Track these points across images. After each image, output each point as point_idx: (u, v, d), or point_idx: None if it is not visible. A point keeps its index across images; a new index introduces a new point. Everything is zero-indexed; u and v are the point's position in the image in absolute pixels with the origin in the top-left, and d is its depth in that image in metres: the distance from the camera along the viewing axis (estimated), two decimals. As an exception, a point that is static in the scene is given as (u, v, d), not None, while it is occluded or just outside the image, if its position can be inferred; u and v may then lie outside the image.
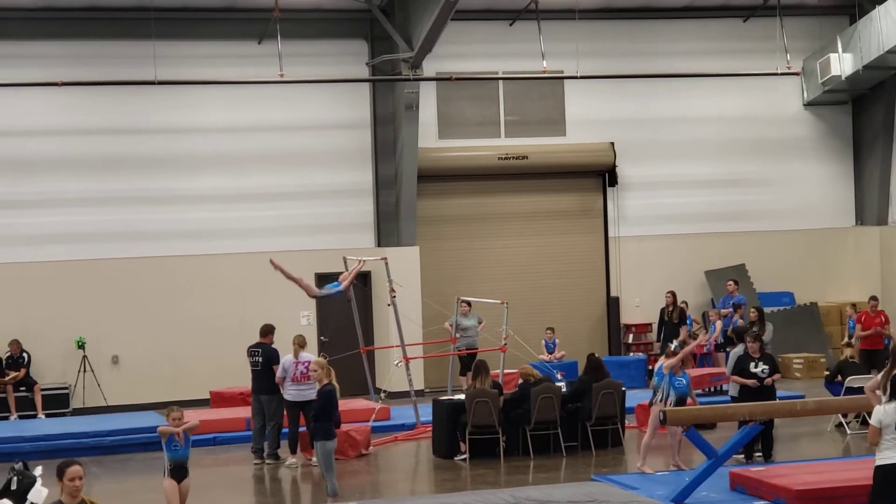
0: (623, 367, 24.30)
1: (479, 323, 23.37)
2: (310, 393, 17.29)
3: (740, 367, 17.07)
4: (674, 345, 17.83)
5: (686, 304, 25.44)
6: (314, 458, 16.73)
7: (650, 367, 24.44)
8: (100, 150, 24.10)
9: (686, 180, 27.07)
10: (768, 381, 17.00)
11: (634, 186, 26.87)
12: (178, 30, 24.12)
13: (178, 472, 13.35)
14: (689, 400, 17.11)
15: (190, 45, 24.28)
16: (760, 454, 17.14)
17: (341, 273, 21.15)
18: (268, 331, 19.00)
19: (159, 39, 22.92)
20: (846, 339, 23.88)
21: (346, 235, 24.91)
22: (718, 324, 24.55)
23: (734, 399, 17.27)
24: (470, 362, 21.58)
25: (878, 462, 11.53)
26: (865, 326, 23.09)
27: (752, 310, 22.35)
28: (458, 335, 22.87)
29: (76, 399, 23.66)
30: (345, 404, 20.28)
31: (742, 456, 16.99)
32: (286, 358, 18.32)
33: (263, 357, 18.60)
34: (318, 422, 15.03)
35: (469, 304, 23.21)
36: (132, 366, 24.12)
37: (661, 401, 16.48)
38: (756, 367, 17.01)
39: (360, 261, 20.43)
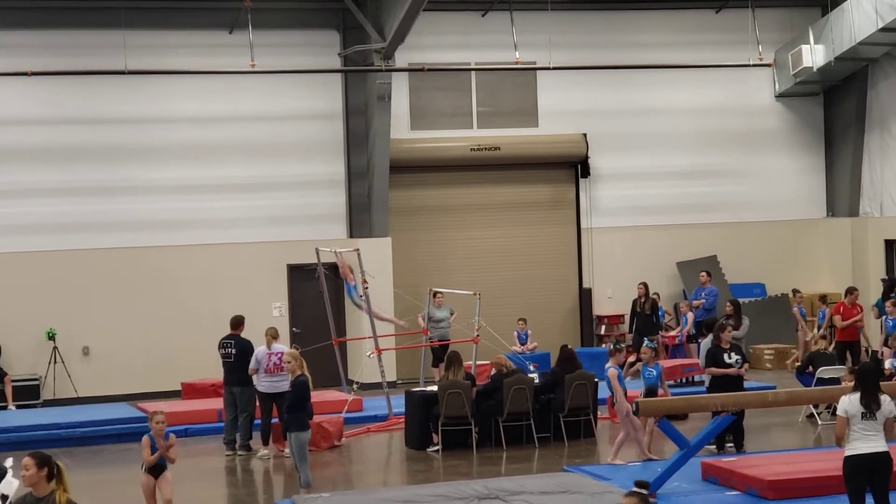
0: (595, 358, 24.19)
1: (451, 314, 23.37)
2: (282, 384, 17.24)
3: (714, 359, 17.10)
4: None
5: (658, 295, 25.47)
6: (286, 450, 16.70)
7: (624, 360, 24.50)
8: (69, 140, 23.96)
9: (658, 172, 27.11)
10: (742, 370, 17.12)
11: (606, 178, 26.90)
12: (149, 19, 24.00)
13: (156, 469, 13.23)
14: (660, 391, 17.17)
15: (160, 34, 24.16)
16: (732, 444, 17.19)
17: (314, 264, 21.13)
18: (238, 322, 18.95)
19: (129, 29, 22.82)
20: (816, 331, 23.88)
21: (318, 226, 24.85)
22: (690, 315, 24.61)
23: (708, 390, 17.30)
24: (442, 354, 21.61)
25: (847, 453, 11.56)
26: (844, 318, 23.04)
27: (728, 303, 22.39)
28: (430, 326, 22.87)
29: (47, 390, 23.53)
30: (317, 396, 20.23)
31: (714, 446, 17.04)
32: (259, 349, 18.27)
33: (237, 349, 18.55)
34: (292, 413, 14.98)
35: (443, 295, 23.20)
36: (103, 357, 24.01)
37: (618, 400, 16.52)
38: (729, 357, 17.08)
39: (336, 252, 20.41)
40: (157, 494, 13.23)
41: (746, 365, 17.43)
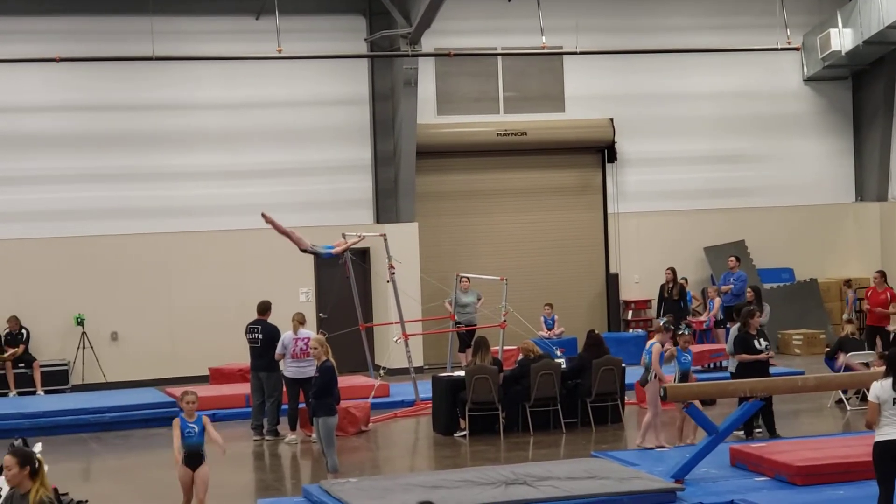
0: (622, 343, 24.27)
1: (478, 299, 23.36)
2: (309, 370, 17.25)
3: (745, 346, 17.04)
4: (663, 321, 17.76)
5: (686, 280, 25.42)
6: (313, 435, 16.70)
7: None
8: (97, 126, 24.02)
9: (685, 156, 27.01)
10: (770, 355, 17.13)
11: (633, 162, 26.81)
12: (176, 5, 24.00)
13: (193, 459, 12.94)
14: (692, 376, 17.13)
15: (187, 20, 24.19)
16: (760, 430, 17.13)
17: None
18: (265, 308, 19.00)
19: (157, 15, 22.82)
20: (846, 315, 23.81)
21: (344, 212, 24.86)
22: (717, 301, 24.53)
23: (733, 375, 17.26)
24: (469, 339, 21.62)
25: (878, 438, 11.51)
26: (871, 302, 22.94)
27: (749, 290, 22.32)
28: (457, 311, 22.87)
29: (75, 376, 23.63)
30: (344, 381, 20.23)
31: (742, 432, 17.00)
32: (286, 335, 18.31)
33: (263, 334, 18.58)
34: (320, 398, 14.97)
35: (469, 280, 23.19)
36: (131, 342, 24.09)
37: (654, 378, 16.46)
38: (759, 343, 17.06)
39: (359, 236, 20.38)
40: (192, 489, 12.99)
41: (772, 351, 17.43)
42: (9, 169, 23.59)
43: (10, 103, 23.65)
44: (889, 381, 11.48)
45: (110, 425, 19.85)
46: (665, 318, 18.66)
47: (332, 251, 19.51)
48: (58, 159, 23.80)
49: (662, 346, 16.84)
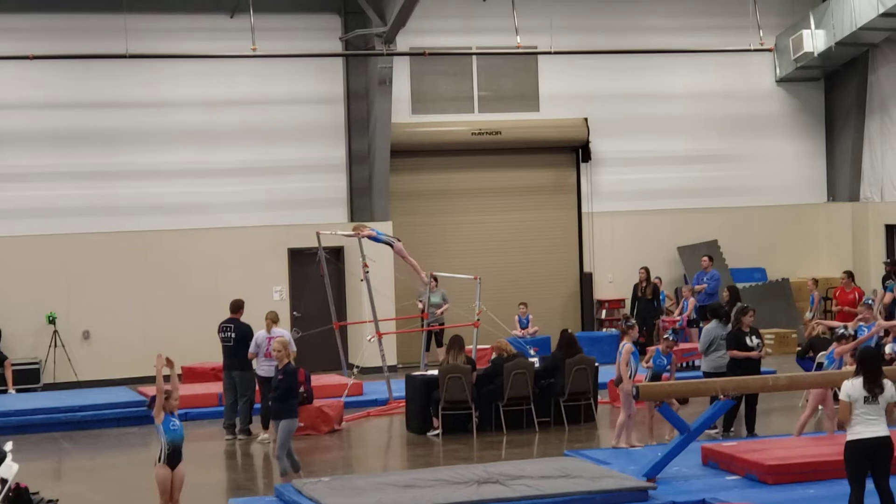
0: (596, 342, 24.32)
1: (444, 302, 23.42)
2: (282, 369, 17.21)
3: (737, 342, 17.11)
4: (624, 322, 17.72)
5: (660, 279, 25.49)
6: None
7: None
8: (70, 123, 23.93)
9: (659, 156, 27.09)
10: (762, 353, 17.22)
11: (608, 162, 26.88)
12: (151, 3, 23.95)
13: (175, 456, 12.70)
14: (665, 375, 17.19)
15: (162, 18, 24.12)
16: (717, 430, 17.24)
17: (315, 248, 21.11)
18: (238, 306, 18.96)
19: (131, 13, 22.77)
20: (808, 314, 23.94)
21: (319, 210, 24.85)
22: (691, 300, 24.61)
23: (706, 375, 17.33)
24: (438, 338, 21.68)
25: (850, 437, 11.58)
26: (840, 302, 23.09)
27: (726, 289, 22.41)
28: (429, 311, 22.93)
29: (47, 374, 23.54)
30: (317, 380, 20.31)
31: (715, 431, 17.07)
32: (259, 333, 18.30)
33: (236, 332, 18.55)
34: (283, 401, 14.82)
35: (436, 280, 23.22)
36: (103, 341, 24.01)
37: (630, 378, 16.50)
38: (751, 340, 17.15)
39: (363, 230, 20.64)
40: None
41: (765, 349, 17.57)
42: (-20, 166, 23.49)
43: (-18, 100, 23.56)
44: (860, 379, 11.56)
45: (82, 424, 19.77)
46: (624, 319, 18.70)
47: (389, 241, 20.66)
48: (31, 157, 23.70)
49: (636, 344, 16.93)
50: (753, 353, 17.11)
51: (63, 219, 23.82)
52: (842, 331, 17.47)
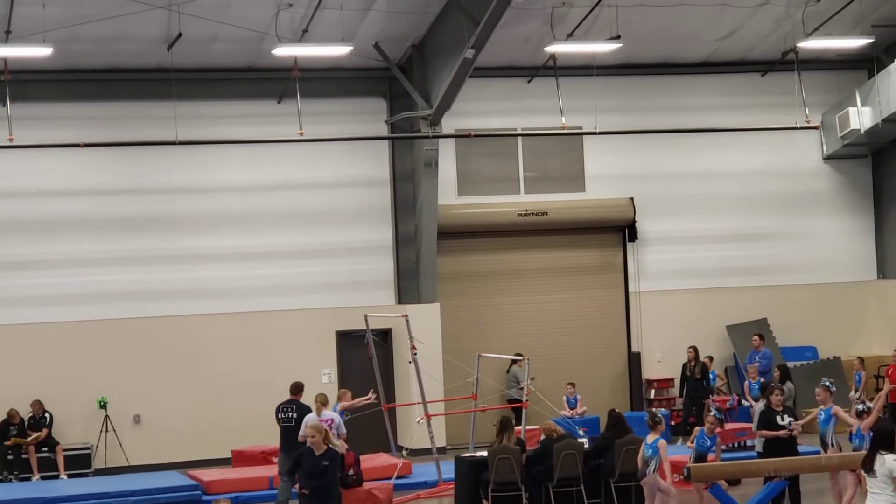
0: (645, 422, 24.09)
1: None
2: (332, 451, 17.18)
3: (766, 422, 16.98)
4: (652, 418, 17.52)
5: (711, 359, 25.34)
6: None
7: (672, 423, 24.30)
8: (120, 209, 24.17)
9: (706, 234, 27.05)
10: (795, 428, 17.00)
11: (654, 241, 26.86)
12: (199, 90, 24.23)
13: None
14: (710, 455, 17.04)
15: (210, 104, 24.40)
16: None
17: (363, 330, 21.15)
18: (298, 388, 19.02)
19: (180, 100, 23.05)
20: (853, 393, 23.69)
21: (366, 293, 24.91)
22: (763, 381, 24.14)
23: (760, 455, 17.18)
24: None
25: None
26: (893, 380, 22.85)
27: (776, 368, 22.23)
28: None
29: (98, 459, 23.61)
30: (367, 461, 20.26)
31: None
32: (309, 416, 18.30)
33: (298, 413, 18.55)
34: (325, 488, 14.06)
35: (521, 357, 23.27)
36: (154, 425, 24.09)
37: (653, 472, 16.36)
38: (782, 420, 16.98)
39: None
40: None
41: (800, 426, 17.32)
42: (33, 253, 23.72)
43: (35, 188, 23.84)
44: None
45: (133, 509, 19.83)
46: (652, 414, 18.35)
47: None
48: (82, 243, 23.94)
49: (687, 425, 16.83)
50: (782, 433, 16.91)
51: (113, 304, 23.98)
52: (861, 407, 17.27)
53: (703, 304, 26.90)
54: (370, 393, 20.80)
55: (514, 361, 23.89)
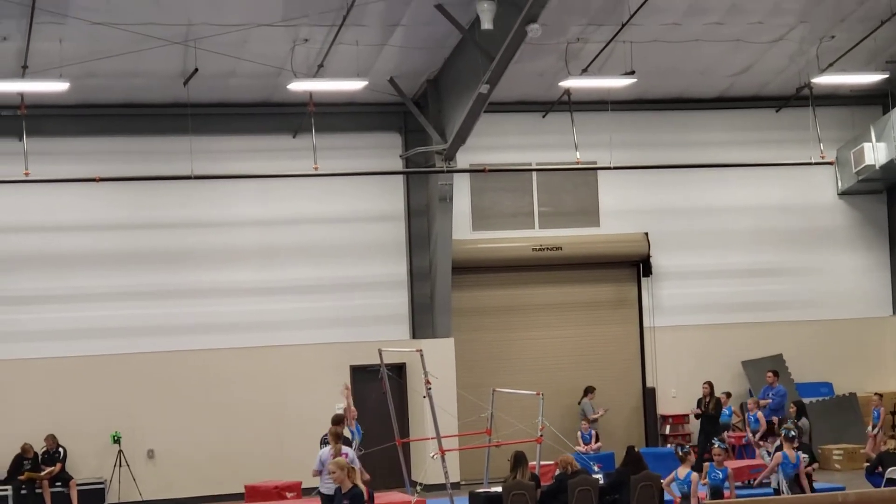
0: (660, 458, 23.94)
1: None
2: (345, 486, 17.12)
3: None
4: (681, 448, 17.48)
5: (729, 394, 25.24)
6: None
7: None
8: (134, 244, 24.22)
9: (721, 270, 27.01)
10: (809, 469, 16.97)
11: (669, 276, 26.83)
12: (215, 125, 24.31)
13: None
14: (726, 492, 16.98)
15: (226, 139, 24.48)
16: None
17: (377, 365, 21.14)
18: (339, 419, 18.91)
19: (196, 134, 23.12)
20: (871, 430, 23.62)
21: (381, 327, 24.90)
22: (759, 414, 24.26)
23: (776, 492, 17.11)
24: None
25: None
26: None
27: (792, 404, 22.17)
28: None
29: (112, 494, 23.59)
30: (381, 498, 20.19)
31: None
32: (323, 450, 18.23)
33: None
34: None
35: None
36: (168, 460, 24.06)
37: None
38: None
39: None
40: None
41: (815, 465, 17.27)
42: (48, 288, 23.76)
43: (50, 222, 23.91)
44: None
45: (146, 543, 19.79)
46: (680, 445, 18.31)
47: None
48: (95, 277, 23.98)
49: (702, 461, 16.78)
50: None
51: (127, 338, 24.00)
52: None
53: (718, 340, 26.83)
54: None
55: (585, 394, 25.08)
